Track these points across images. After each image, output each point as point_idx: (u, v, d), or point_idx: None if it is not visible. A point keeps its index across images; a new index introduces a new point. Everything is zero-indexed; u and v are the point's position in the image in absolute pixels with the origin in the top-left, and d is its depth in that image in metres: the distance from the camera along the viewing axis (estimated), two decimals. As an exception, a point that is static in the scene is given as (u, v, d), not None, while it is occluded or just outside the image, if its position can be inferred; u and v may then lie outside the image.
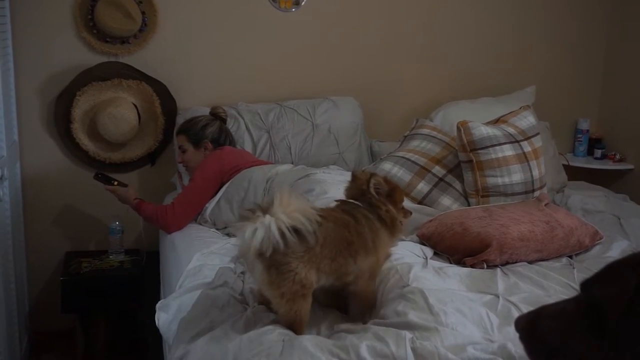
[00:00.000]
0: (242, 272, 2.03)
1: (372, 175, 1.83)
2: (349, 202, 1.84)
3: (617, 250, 2.40)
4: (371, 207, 1.79)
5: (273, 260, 1.59)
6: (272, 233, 1.54)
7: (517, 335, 0.98)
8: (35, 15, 3.00)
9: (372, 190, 1.79)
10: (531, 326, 0.91)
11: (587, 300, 0.85)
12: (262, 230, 1.54)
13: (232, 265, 2.14)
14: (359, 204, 1.81)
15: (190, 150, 2.86)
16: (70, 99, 3.02)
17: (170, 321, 1.92)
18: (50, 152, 3.14)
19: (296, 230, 1.58)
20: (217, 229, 2.67)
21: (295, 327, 1.64)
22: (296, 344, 1.52)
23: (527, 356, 0.92)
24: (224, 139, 2.92)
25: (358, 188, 1.84)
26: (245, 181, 2.65)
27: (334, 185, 2.43)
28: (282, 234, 1.55)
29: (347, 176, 2.60)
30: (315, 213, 1.63)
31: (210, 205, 2.69)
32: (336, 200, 1.88)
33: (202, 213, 2.71)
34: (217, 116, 2.96)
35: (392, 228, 1.81)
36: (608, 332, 0.80)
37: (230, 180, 2.70)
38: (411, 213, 1.92)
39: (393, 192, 1.83)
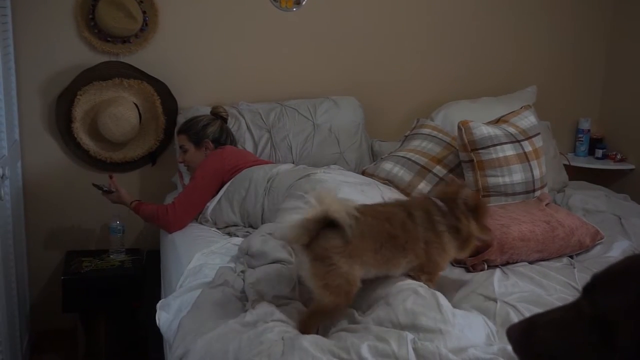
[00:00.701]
0: (242, 271, 2.03)
1: (463, 187, 1.90)
2: (423, 199, 1.91)
3: (618, 250, 2.40)
4: (452, 215, 1.84)
5: (316, 254, 1.66)
6: (305, 225, 1.63)
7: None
8: (36, 14, 3.00)
9: (460, 201, 1.85)
10: (525, 337, 0.83)
11: (590, 308, 0.79)
12: (296, 222, 1.64)
13: (232, 265, 2.14)
14: (438, 204, 1.85)
15: (191, 150, 2.86)
16: (71, 98, 3.02)
17: (170, 320, 1.92)
18: (51, 152, 3.14)
19: (334, 225, 1.64)
20: (217, 229, 2.66)
21: (325, 317, 1.70)
22: (297, 344, 1.52)
23: None
24: (225, 138, 2.91)
25: (447, 193, 1.90)
26: (246, 181, 2.65)
27: (334, 185, 2.43)
28: (310, 226, 1.63)
29: (348, 176, 2.65)
30: (352, 208, 1.69)
31: (211, 205, 2.69)
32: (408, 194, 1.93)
33: (203, 212, 2.71)
34: (218, 116, 2.96)
35: (464, 242, 1.86)
36: (619, 347, 0.74)
37: (231, 180, 2.70)
38: (491, 230, 1.95)
39: (478, 207, 1.88)
